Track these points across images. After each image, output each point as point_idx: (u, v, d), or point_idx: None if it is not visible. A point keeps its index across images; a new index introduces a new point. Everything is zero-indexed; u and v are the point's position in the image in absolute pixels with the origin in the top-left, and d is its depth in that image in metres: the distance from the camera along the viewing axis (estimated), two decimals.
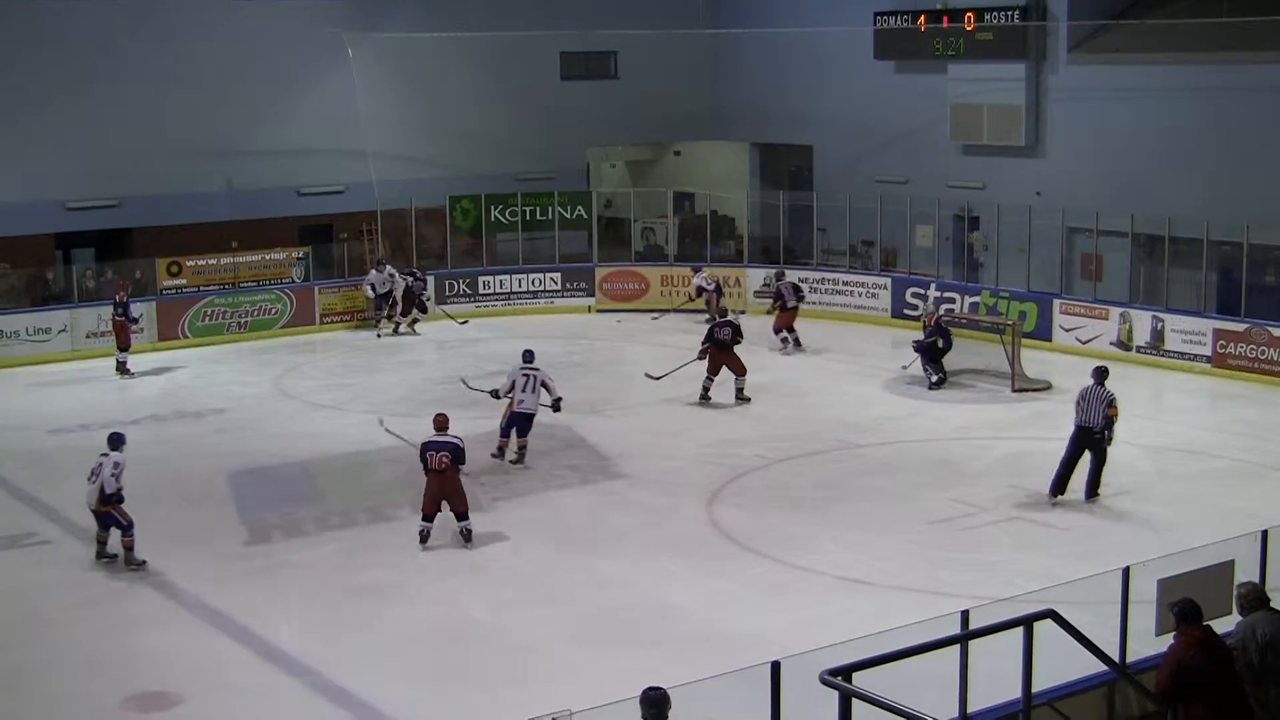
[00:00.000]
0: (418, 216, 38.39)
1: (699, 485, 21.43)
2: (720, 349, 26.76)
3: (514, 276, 37.91)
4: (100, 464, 18.42)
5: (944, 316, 29.23)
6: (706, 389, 26.77)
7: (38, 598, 17.59)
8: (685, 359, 27.56)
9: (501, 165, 40.73)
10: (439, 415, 19.75)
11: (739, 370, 26.82)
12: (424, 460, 19.13)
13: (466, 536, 19.01)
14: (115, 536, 18.48)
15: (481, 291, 37.54)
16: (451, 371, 30.01)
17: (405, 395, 28.25)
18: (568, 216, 38.88)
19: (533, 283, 37.94)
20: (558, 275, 38.03)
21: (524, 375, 22.80)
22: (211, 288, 35.60)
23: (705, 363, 26.83)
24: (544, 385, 22.85)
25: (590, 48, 42.49)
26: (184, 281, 35.52)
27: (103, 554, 18.65)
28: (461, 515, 19.07)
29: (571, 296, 37.83)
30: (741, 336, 27.10)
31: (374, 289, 34.32)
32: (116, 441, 18.76)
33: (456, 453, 19.08)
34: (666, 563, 18.26)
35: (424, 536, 18.97)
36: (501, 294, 37.57)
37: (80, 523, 20.19)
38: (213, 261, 36.09)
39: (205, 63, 37.36)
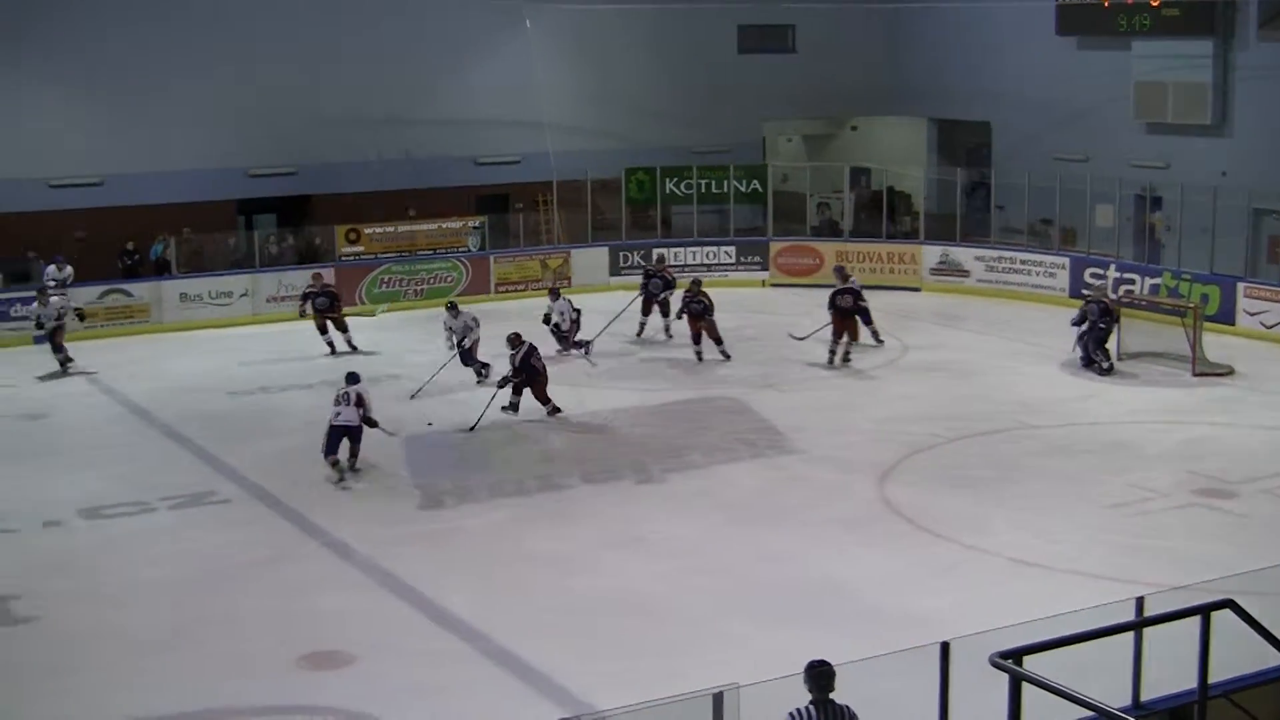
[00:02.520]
0: (593, 188, 38.53)
1: (871, 462, 21.26)
2: (841, 315, 27.86)
3: (688, 249, 37.89)
4: (348, 392, 21.15)
5: (1121, 298, 28.72)
6: (833, 352, 27.87)
7: (218, 555, 17.95)
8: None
9: (677, 138, 40.75)
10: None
11: (853, 335, 28.17)
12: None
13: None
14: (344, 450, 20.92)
15: (665, 261, 37.60)
16: (626, 342, 30.09)
17: (577, 366, 28.37)
18: (743, 190, 38.78)
19: (707, 256, 37.89)
20: (732, 249, 37.95)
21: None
22: (389, 255, 36.06)
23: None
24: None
25: (768, 20, 42.27)
26: (362, 248, 36.01)
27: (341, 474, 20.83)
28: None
29: (746, 270, 37.72)
30: (863, 302, 28.44)
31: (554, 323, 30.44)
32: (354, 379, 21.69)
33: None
34: (836, 539, 18.15)
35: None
36: (675, 265, 37.57)
37: (259, 483, 20.64)
38: (390, 229, 36.55)
39: (387, 32, 37.84)
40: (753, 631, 15.15)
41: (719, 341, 28.33)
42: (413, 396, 25.76)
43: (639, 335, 30.21)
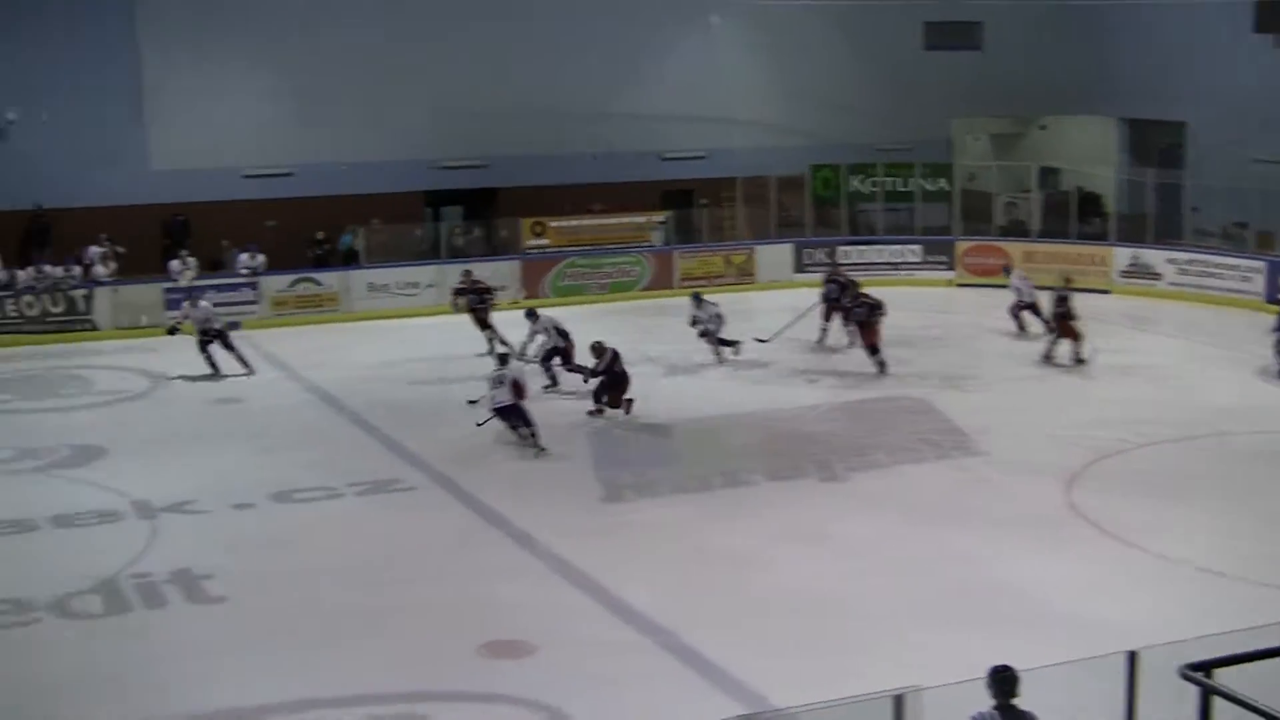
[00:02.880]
0: (778, 184, 38.45)
1: (1058, 466, 20.90)
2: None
3: (874, 247, 37.66)
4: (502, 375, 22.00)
5: None
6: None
7: (401, 542, 18.20)
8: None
9: (863, 135, 40.55)
10: None
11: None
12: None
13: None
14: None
15: (840, 261, 37.41)
16: (811, 340, 30.04)
17: (759, 363, 28.35)
18: (929, 188, 38.53)
19: (892, 254, 37.65)
20: (918, 248, 37.69)
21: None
22: (573, 248, 36.28)
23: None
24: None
25: (955, 17, 41.85)
26: (547, 241, 36.30)
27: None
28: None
29: (931, 270, 37.42)
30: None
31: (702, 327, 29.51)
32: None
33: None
34: (1021, 543, 17.88)
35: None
36: (860, 264, 37.35)
37: (444, 471, 20.89)
38: (575, 223, 36.81)
39: (576, 26, 38.10)
40: (934, 634, 14.98)
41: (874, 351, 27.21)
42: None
43: (819, 342, 29.72)
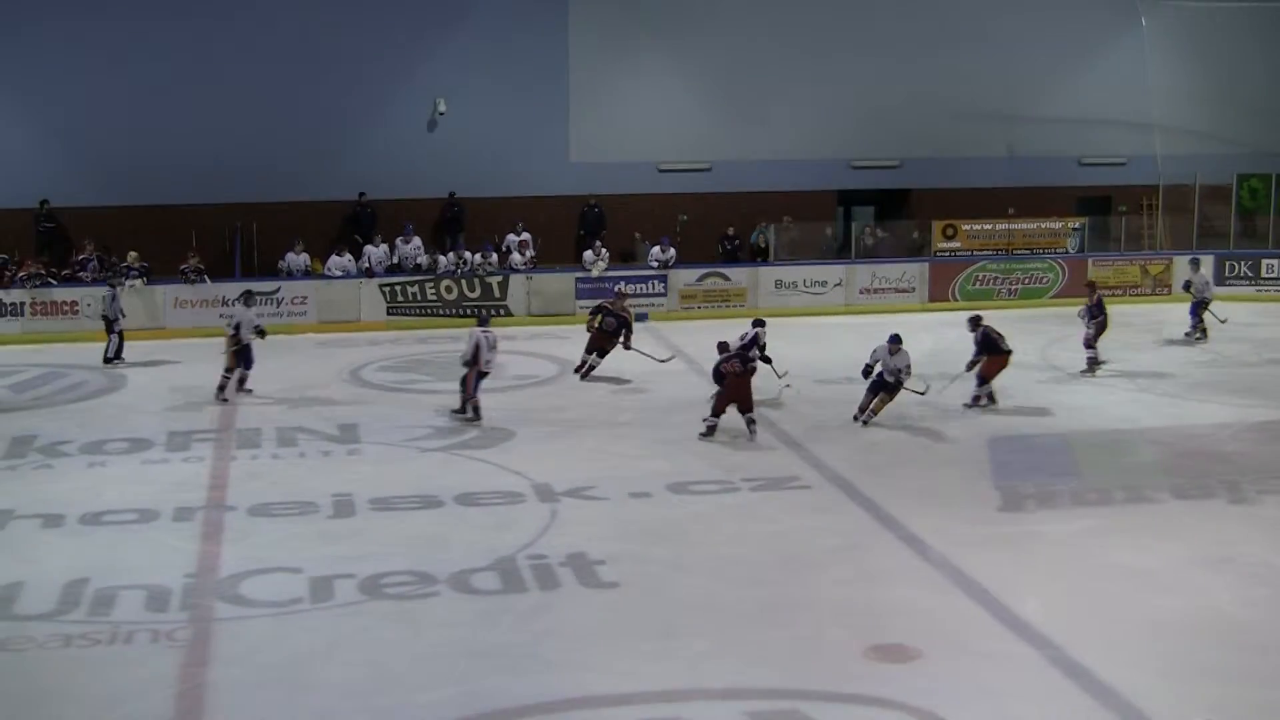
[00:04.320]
0: (1201, 193, 37.14)
1: None
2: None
3: None
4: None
5: None
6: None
7: (793, 540, 18.17)
8: None
9: None
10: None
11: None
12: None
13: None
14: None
15: (1264, 275, 35.96)
16: (1220, 354, 29.13)
17: (1173, 376, 27.49)
18: None
19: None
20: None
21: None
22: (985, 252, 35.83)
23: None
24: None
25: None
26: (958, 244, 35.90)
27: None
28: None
29: None
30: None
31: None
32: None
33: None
34: None
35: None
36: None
37: (840, 472, 20.82)
38: (988, 226, 36.33)
39: (992, 26, 37.62)
40: None
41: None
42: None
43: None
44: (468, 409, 24.14)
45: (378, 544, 17.83)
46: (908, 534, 18.26)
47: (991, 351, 24.90)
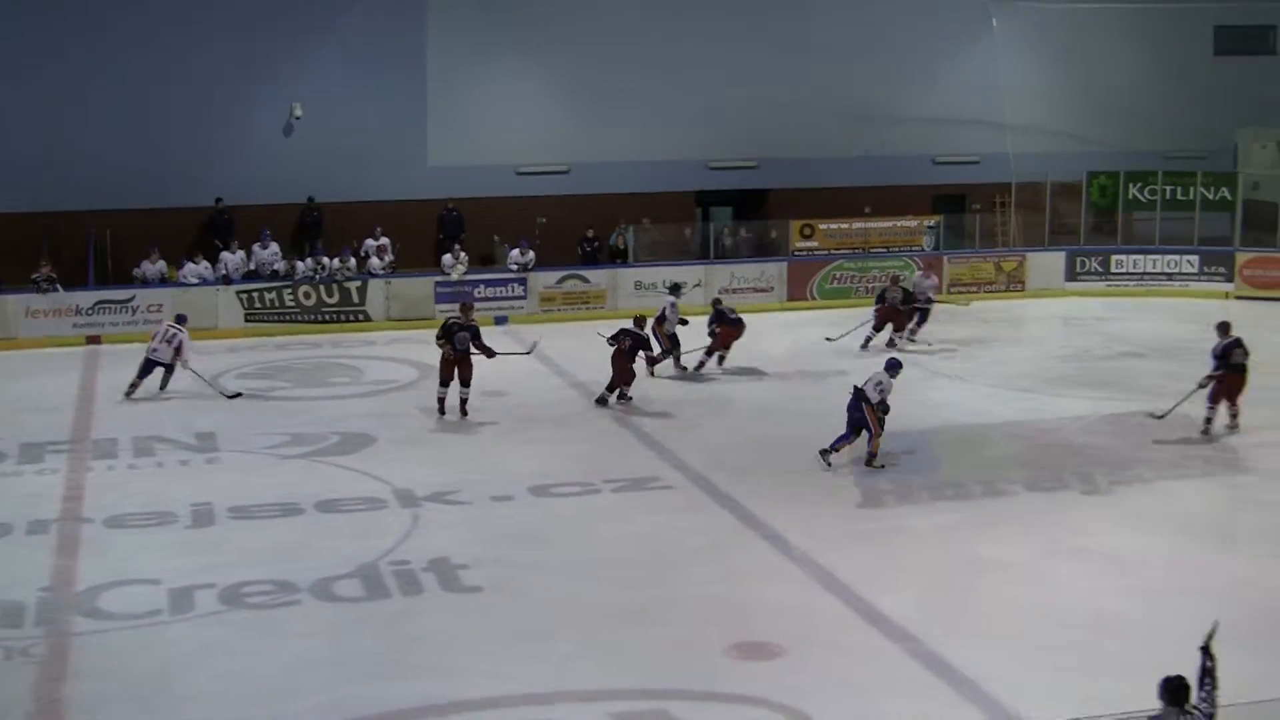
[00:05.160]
0: (1053, 190, 37.75)
1: None
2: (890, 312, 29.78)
3: (1149, 257, 36.76)
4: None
5: None
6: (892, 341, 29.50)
7: (655, 541, 18.22)
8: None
9: (1144, 142, 39.59)
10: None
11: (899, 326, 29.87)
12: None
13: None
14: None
15: (1114, 270, 36.62)
16: (1080, 349, 29.63)
17: (1029, 370, 27.90)
18: (1210, 198, 37.35)
19: (1168, 264, 36.72)
20: (1195, 258, 36.65)
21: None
22: (842, 251, 36.11)
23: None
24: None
25: (1248, 21, 40.55)
26: (815, 244, 36.17)
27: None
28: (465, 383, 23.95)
29: (1209, 281, 36.38)
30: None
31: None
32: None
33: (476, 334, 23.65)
34: None
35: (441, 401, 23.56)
36: (1134, 274, 36.55)
37: (701, 472, 20.92)
38: (845, 225, 36.63)
39: (845, 28, 37.97)
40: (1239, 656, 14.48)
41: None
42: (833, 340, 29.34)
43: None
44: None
45: (238, 553, 17.64)
46: (770, 532, 18.39)
47: (724, 323, 27.73)
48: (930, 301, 30.82)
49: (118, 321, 31.02)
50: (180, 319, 26.33)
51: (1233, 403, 22.89)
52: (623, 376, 25.15)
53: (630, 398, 25.21)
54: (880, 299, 30.09)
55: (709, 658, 14.52)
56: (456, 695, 13.57)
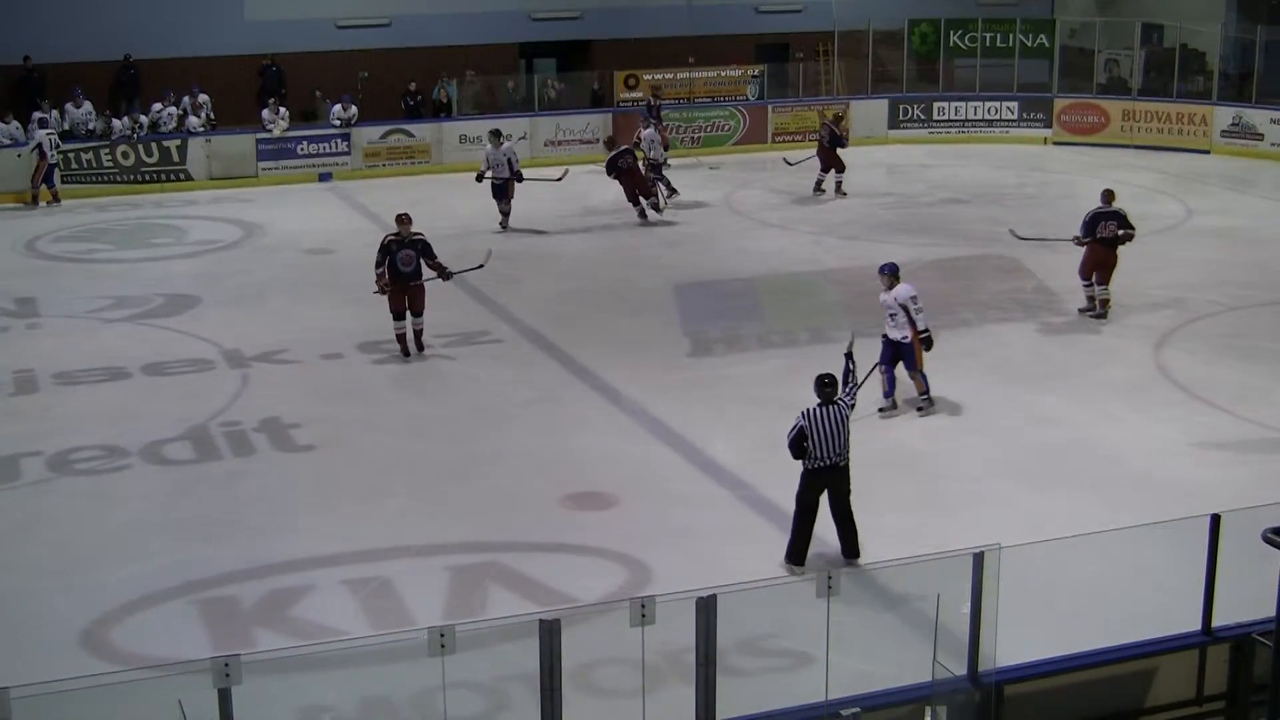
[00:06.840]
0: (875, 39, 37.92)
1: (1147, 328, 20.70)
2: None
3: (970, 104, 37.17)
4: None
5: None
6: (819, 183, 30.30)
7: (487, 394, 18.32)
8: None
9: None
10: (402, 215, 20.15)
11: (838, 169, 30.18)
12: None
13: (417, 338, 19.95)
14: None
15: (936, 118, 36.99)
16: (903, 196, 29.96)
17: (852, 219, 28.18)
18: (1029, 45, 37.79)
19: (989, 111, 37.14)
20: (1015, 104, 37.12)
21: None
22: (667, 102, 35.99)
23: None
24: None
25: None
26: (640, 95, 36.02)
27: None
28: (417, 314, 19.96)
29: (1028, 127, 36.88)
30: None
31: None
32: None
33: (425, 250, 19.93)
34: (1108, 404, 17.76)
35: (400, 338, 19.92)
36: (956, 121, 36.92)
37: (531, 325, 20.96)
38: (669, 76, 36.48)
39: None
40: (1019, 493, 14.97)
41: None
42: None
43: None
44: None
45: (64, 419, 17.45)
46: (601, 383, 18.55)
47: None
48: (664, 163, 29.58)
49: None
50: None
51: (1103, 284, 21.31)
52: (643, 189, 27.35)
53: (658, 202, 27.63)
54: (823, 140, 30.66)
55: (542, 509, 14.69)
56: (292, 555, 13.61)
